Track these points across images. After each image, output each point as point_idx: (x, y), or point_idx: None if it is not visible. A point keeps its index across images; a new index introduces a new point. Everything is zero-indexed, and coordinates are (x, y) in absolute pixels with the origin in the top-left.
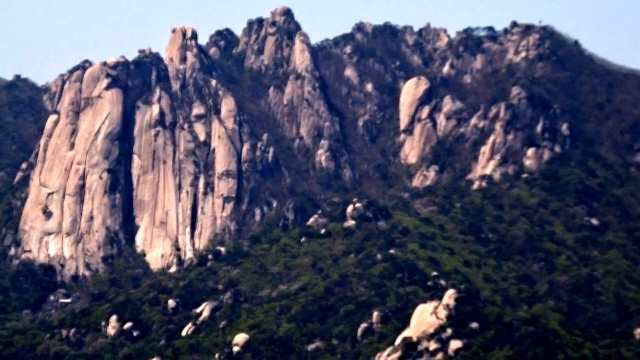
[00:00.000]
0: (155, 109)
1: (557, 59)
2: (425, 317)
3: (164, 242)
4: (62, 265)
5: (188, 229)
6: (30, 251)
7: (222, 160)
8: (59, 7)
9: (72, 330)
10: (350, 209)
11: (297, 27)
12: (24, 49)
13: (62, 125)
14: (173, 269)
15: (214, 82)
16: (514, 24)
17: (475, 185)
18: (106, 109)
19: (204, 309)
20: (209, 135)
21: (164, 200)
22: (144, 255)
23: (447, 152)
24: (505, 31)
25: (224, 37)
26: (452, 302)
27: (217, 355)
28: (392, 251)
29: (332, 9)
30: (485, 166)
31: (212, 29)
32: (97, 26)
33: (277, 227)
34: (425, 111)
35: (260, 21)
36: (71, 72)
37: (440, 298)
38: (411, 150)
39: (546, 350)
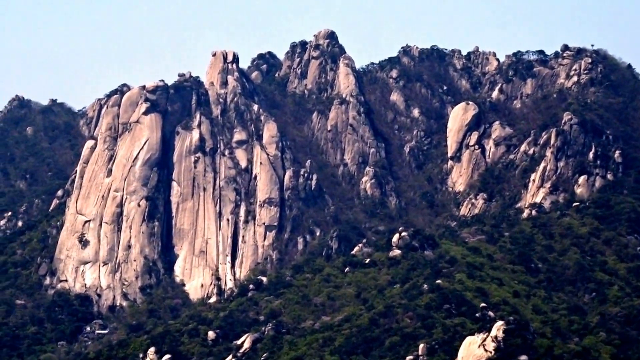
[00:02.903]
0: (195, 135)
1: (609, 84)
2: (473, 350)
3: (204, 271)
4: (99, 295)
5: (229, 258)
6: (66, 281)
7: (263, 188)
8: (96, 30)
9: None
10: (395, 238)
11: (342, 51)
12: (61, 72)
13: (99, 151)
14: (213, 299)
15: (255, 107)
16: (565, 48)
17: (525, 214)
18: (145, 134)
19: (245, 341)
20: (250, 161)
21: (204, 228)
22: (183, 285)
23: (496, 179)
24: (556, 55)
25: (266, 60)
26: (500, 334)
27: None
28: (438, 281)
29: (377, 32)
30: (535, 194)
31: (254, 52)
32: (136, 49)
33: (320, 257)
34: (473, 137)
35: (303, 44)
36: (109, 96)
37: (488, 330)
38: (459, 178)
39: None
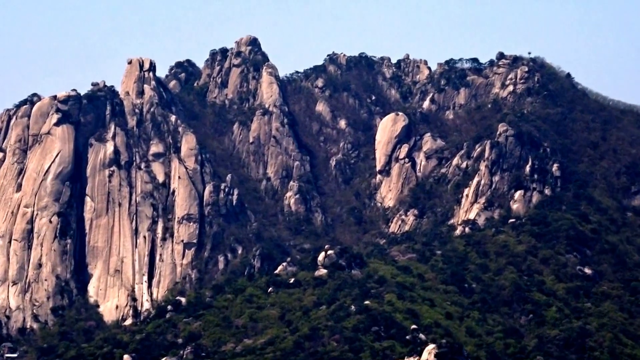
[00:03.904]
0: (109, 147)
1: (547, 94)
2: None
3: (119, 292)
4: (8, 317)
5: (145, 278)
6: None
7: (182, 203)
8: (2, 35)
9: None
10: (321, 256)
11: (265, 59)
12: None
13: (8, 165)
14: (129, 322)
15: (173, 118)
16: (501, 56)
17: (458, 231)
18: (56, 146)
19: None
20: (168, 175)
21: (119, 246)
22: (98, 306)
23: (427, 194)
24: (491, 63)
25: (185, 69)
26: (432, 358)
27: None
28: (367, 302)
29: (302, 39)
30: (469, 210)
31: (172, 60)
32: (46, 56)
33: (242, 276)
34: (403, 150)
35: (224, 52)
36: (18, 106)
37: (419, 354)
38: (388, 193)
39: None
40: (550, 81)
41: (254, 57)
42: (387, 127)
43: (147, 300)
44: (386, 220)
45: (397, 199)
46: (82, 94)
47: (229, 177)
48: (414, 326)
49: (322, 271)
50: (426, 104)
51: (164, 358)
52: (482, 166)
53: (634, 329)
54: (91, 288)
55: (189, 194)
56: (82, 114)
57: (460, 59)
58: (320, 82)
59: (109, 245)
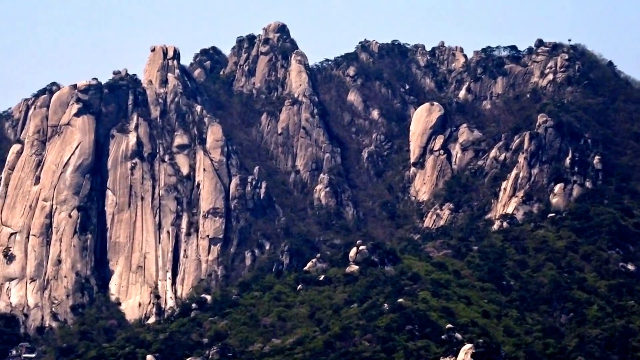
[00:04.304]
0: (132, 139)
1: (588, 83)
2: None
3: (142, 289)
4: (26, 316)
5: (169, 275)
6: None
7: (207, 197)
8: (21, 23)
9: None
10: (353, 252)
11: (294, 46)
12: None
13: (26, 156)
14: (152, 320)
15: (198, 108)
16: (540, 43)
17: (495, 226)
18: (76, 138)
19: None
20: (192, 168)
21: (142, 241)
22: (119, 304)
23: (464, 188)
24: (530, 51)
25: (210, 56)
26: (468, 359)
27: None
28: (400, 300)
29: (333, 26)
30: (507, 204)
31: (197, 47)
32: (66, 44)
33: (270, 273)
34: (438, 141)
35: (251, 39)
36: (36, 96)
37: (455, 354)
38: (422, 186)
39: None
40: (592, 70)
41: (282, 44)
42: (422, 118)
43: (171, 297)
44: (420, 215)
45: (432, 192)
46: (103, 83)
47: (256, 169)
48: (449, 325)
49: (354, 268)
50: (462, 93)
51: (189, 358)
52: (521, 158)
53: None
54: (112, 285)
55: (214, 187)
56: (104, 104)
57: (498, 47)
58: (351, 71)
59: (131, 241)
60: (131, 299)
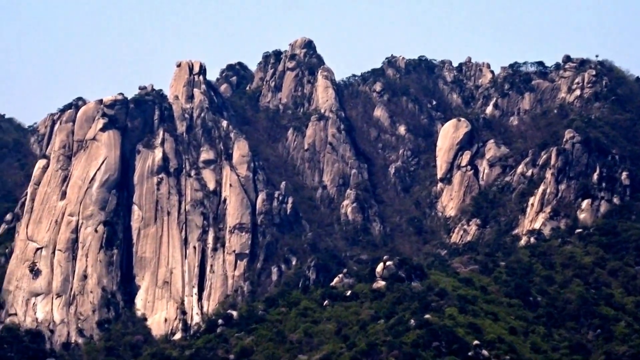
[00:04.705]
0: (158, 154)
1: (616, 98)
2: None
3: (168, 304)
4: (52, 331)
5: (195, 290)
6: (15, 314)
7: (234, 212)
8: (48, 37)
9: None
10: (379, 267)
11: (320, 61)
12: (9, 84)
13: (52, 171)
14: (178, 336)
15: (224, 124)
16: (567, 59)
17: (523, 242)
18: (102, 153)
19: None
20: (219, 183)
21: (168, 256)
22: (145, 319)
23: (491, 203)
24: (557, 66)
25: (237, 72)
26: None
27: None
28: (427, 316)
29: (359, 41)
30: (534, 220)
31: (223, 62)
32: (92, 59)
33: (296, 288)
34: (465, 157)
35: (277, 54)
36: (62, 111)
37: None
38: (449, 202)
39: None
40: (619, 85)
41: (309, 60)
42: (449, 134)
43: (197, 313)
44: (447, 230)
45: (459, 208)
46: (129, 98)
47: (283, 184)
48: (476, 342)
49: (381, 283)
50: (489, 109)
51: None
52: (548, 174)
53: None
54: (139, 301)
55: (241, 203)
56: (129, 119)
57: (525, 62)
58: (378, 86)
59: (157, 256)
60: (157, 314)
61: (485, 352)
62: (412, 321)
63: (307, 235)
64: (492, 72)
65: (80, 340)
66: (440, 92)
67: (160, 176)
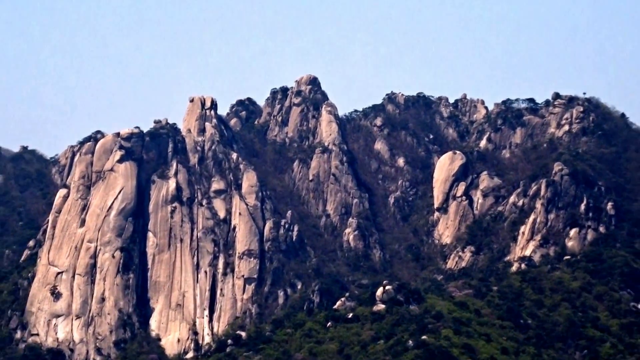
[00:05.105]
0: (171, 184)
1: (602, 133)
2: None
3: (181, 325)
4: (72, 350)
5: (206, 312)
6: (37, 334)
7: (243, 239)
8: (68, 73)
9: None
10: (379, 291)
11: (324, 97)
12: (32, 118)
13: (72, 200)
14: (190, 355)
15: (234, 156)
16: (557, 96)
17: (514, 268)
18: (119, 183)
19: None
20: (229, 212)
21: (181, 281)
22: (159, 339)
23: (484, 231)
24: (547, 103)
25: (246, 107)
26: None
27: None
28: (424, 337)
29: (361, 79)
30: (525, 247)
31: (233, 98)
32: (110, 94)
33: (301, 311)
34: (460, 188)
35: (284, 90)
36: (82, 143)
37: None
38: (445, 230)
39: None
40: (605, 121)
41: (313, 96)
42: (445, 166)
43: (208, 334)
44: (443, 257)
45: (455, 236)
46: (144, 131)
47: (289, 213)
48: None
49: (380, 306)
50: (483, 142)
51: None
52: (538, 204)
53: None
54: (153, 322)
55: (249, 230)
56: (145, 151)
57: (517, 99)
58: (378, 121)
59: (170, 280)
60: (170, 335)
61: None
62: (410, 342)
63: (311, 261)
64: (486, 108)
65: (98, 359)
66: (437, 126)
67: (173, 205)
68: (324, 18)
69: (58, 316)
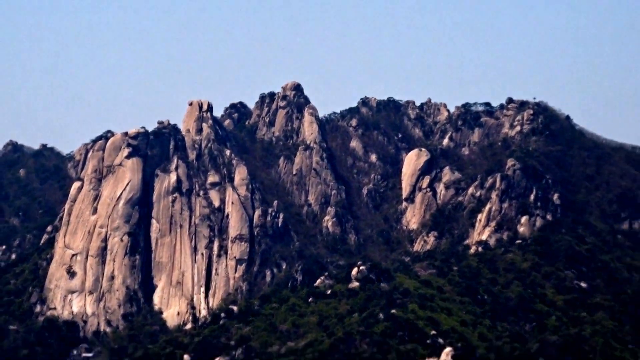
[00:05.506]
0: (172, 177)
1: (549, 133)
2: None
3: (180, 301)
4: (85, 322)
5: (203, 289)
6: (54, 308)
7: (235, 225)
8: (82, 80)
9: None
10: (354, 271)
11: (307, 101)
12: (50, 120)
13: (86, 191)
14: (188, 326)
15: (227, 152)
16: (510, 100)
17: (472, 250)
18: (127, 176)
19: None
20: (223, 201)
21: (181, 261)
22: (161, 313)
23: (446, 219)
24: (502, 106)
25: (238, 109)
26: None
27: None
28: (393, 311)
29: (339, 85)
30: (482, 232)
31: (227, 102)
32: (119, 99)
33: (286, 288)
34: (425, 181)
35: (271, 95)
36: (94, 141)
37: (438, 355)
38: (412, 217)
39: None
40: (552, 122)
41: (297, 100)
42: (412, 161)
43: (204, 308)
44: (410, 241)
45: (420, 222)
46: (149, 131)
47: (275, 203)
48: (433, 332)
49: (355, 284)
50: (445, 141)
51: (218, 358)
52: (493, 195)
53: (622, 335)
54: (156, 297)
55: (240, 217)
56: (149, 148)
57: (475, 103)
58: (354, 122)
59: (171, 261)
60: (171, 309)
61: (440, 340)
62: (381, 315)
63: (295, 244)
64: (448, 110)
65: (108, 330)
66: (405, 126)
67: (174, 195)
68: (309, 32)
69: (73, 292)
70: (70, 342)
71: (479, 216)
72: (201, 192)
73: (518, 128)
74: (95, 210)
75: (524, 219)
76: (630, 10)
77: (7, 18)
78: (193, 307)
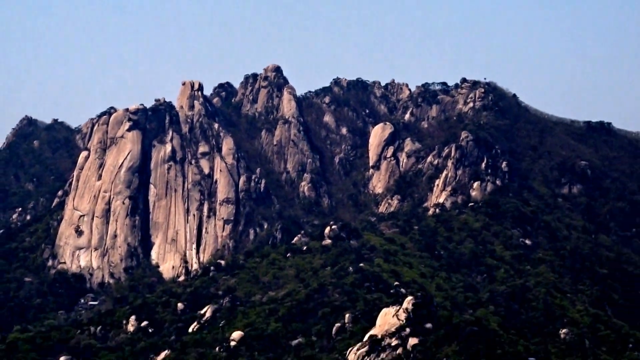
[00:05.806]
0: (168, 147)
1: (498, 109)
2: (388, 319)
3: (175, 256)
4: (91, 274)
5: (194, 246)
6: (64, 263)
7: (222, 190)
8: (90, 63)
9: (99, 328)
10: (327, 230)
11: (285, 81)
12: (61, 96)
13: (92, 160)
14: (182, 278)
15: (216, 126)
16: (464, 80)
17: (430, 212)
18: (128, 147)
19: (207, 311)
20: (212, 169)
21: (175, 222)
22: (158, 267)
23: (408, 184)
24: (456, 86)
25: (225, 89)
26: (410, 307)
27: (217, 349)
28: (361, 265)
29: (314, 66)
30: (439, 196)
31: (216, 82)
32: (121, 79)
33: (267, 245)
34: (390, 151)
35: (255, 76)
36: (99, 116)
37: (400, 303)
38: (378, 183)
39: (487, 347)
40: (501, 100)
41: (277, 80)
42: (378, 134)
43: (195, 262)
44: (376, 203)
45: (385, 187)
46: (147, 107)
47: (258, 170)
48: (396, 283)
49: (328, 241)
50: (407, 116)
51: (208, 305)
52: (449, 163)
53: (562, 285)
54: (153, 253)
55: (227, 183)
56: (148, 122)
57: (433, 83)
58: (327, 99)
59: (167, 221)
60: (167, 263)
61: (403, 290)
62: (351, 268)
63: (275, 207)
64: (409, 89)
65: (111, 281)
66: (372, 103)
67: (169, 164)
68: (290, 21)
69: (80, 249)
70: (78, 292)
71: (437, 182)
72: (193, 161)
73: (471, 104)
74: (100, 177)
75: (476, 184)
76: None
77: (13, 17)
78: (186, 262)
